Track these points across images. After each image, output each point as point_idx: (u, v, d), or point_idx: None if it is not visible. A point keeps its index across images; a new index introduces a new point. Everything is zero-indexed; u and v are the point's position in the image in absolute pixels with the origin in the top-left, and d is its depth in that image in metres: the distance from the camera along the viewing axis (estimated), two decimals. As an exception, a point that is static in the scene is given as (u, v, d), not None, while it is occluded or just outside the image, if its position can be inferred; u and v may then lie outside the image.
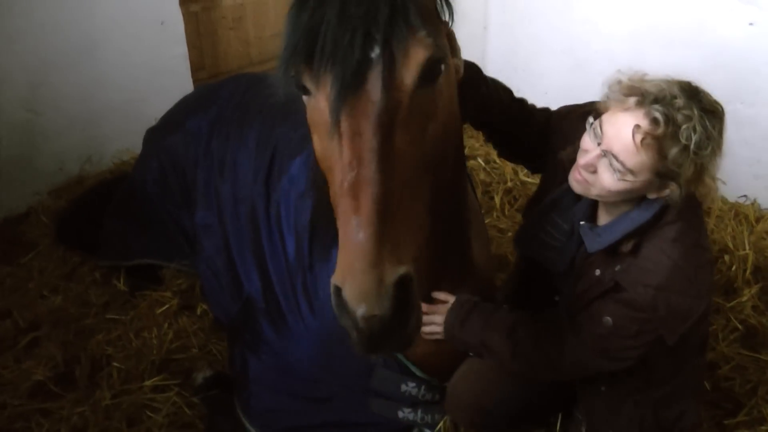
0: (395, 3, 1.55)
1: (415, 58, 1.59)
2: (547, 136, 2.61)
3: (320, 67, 1.57)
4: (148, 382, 3.05)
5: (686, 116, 1.96)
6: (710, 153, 2.00)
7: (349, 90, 1.54)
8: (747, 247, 3.76)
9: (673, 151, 1.97)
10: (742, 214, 4.19)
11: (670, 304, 2.08)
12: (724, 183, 4.28)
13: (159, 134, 3.55)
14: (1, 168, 4.17)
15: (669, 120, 1.96)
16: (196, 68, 5.17)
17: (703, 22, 4.32)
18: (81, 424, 2.88)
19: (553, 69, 5.17)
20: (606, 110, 2.14)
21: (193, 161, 3.27)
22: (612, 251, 2.23)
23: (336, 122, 1.57)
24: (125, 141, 4.62)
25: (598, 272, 2.25)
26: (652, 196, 2.12)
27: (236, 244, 2.92)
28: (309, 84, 1.65)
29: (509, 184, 4.48)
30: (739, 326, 3.33)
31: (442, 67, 1.68)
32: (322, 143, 1.69)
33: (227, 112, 3.27)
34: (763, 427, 2.87)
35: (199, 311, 3.46)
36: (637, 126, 1.99)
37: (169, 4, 4.79)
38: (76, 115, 4.48)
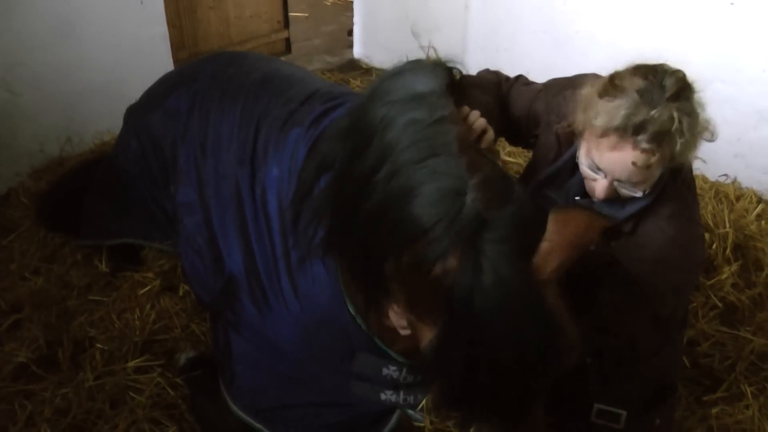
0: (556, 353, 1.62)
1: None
2: (536, 113, 2.56)
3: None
4: (131, 364, 3.04)
5: (668, 119, 1.96)
6: (700, 120, 2.05)
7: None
8: (727, 225, 3.79)
9: (677, 150, 2.00)
10: (723, 192, 4.22)
11: (665, 278, 2.11)
12: (704, 162, 4.29)
13: (138, 112, 3.50)
14: (-21, 149, 4.13)
15: (658, 139, 1.97)
16: (176, 48, 5.13)
17: (685, 1, 4.33)
18: (64, 405, 2.88)
19: (535, 48, 5.16)
20: (587, 144, 2.15)
21: (172, 140, 3.23)
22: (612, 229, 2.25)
23: None
24: (106, 121, 4.56)
25: (593, 246, 2.27)
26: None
27: (219, 221, 2.90)
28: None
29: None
30: (719, 303, 3.36)
31: None
32: None
33: (209, 88, 3.23)
34: (741, 403, 2.92)
35: (181, 292, 3.45)
36: (634, 162, 2.01)
37: (148, -17, 4.74)
38: (56, 95, 4.43)
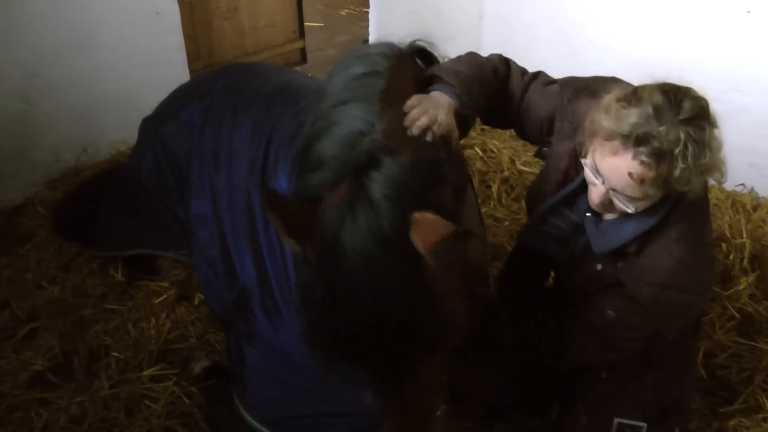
0: (424, 324, 1.61)
1: (442, 353, 1.71)
2: (552, 118, 2.47)
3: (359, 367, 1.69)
4: (146, 372, 3.06)
5: (674, 141, 1.91)
6: (709, 153, 1.96)
7: (382, 385, 1.71)
8: (744, 235, 3.76)
9: (675, 174, 1.93)
10: (739, 202, 4.20)
11: (672, 302, 2.09)
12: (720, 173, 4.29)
13: (153, 124, 3.53)
14: (-2, 158, 4.16)
15: (659, 157, 1.92)
16: (191, 58, 5.16)
17: (700, 9, 4.31)
18: (79, 413, 2.89)
19: (549, 58, 5.15)
20: (593, 149, 2.11)
21: (187, 151, 3.25)
22: (617, 249, 2.22)
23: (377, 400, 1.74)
24: (121, 132, 4.60)
25: (599, 267, 2.24)
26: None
27: (231, 233, 2.91)
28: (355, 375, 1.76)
29: (506, 173, 4.47)
30: (736, 314, 3.34)
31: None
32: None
33: (222, 100, 3.25)
34: (759, 415, 2.89)
35: (196, 301, 3.47)
36: (630, 174, 1.96)
37: (164, -5, 4.77)
38: (72, 106, 4.46)
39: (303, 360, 2.60)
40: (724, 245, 3.72)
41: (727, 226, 3.87)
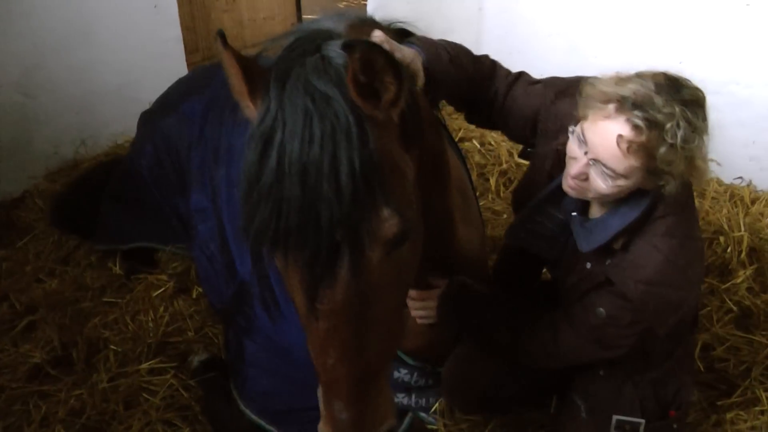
0: (356, 177, 1.46)
1: (382, 238, 1.53)
2: (536, 118, 2.50)
3: (286, 252, 1.53)
4: (144, 365, 3.06)
5: (668, 114, 1.91)
6: (698, 142, 1.96)
7: (319, 279, 1.52)
8: (742, 228, 3.76)
9: (661, 151, 1.93)
10: (738, 195, 4.20)
11: (661, 298, 2.08)
12: (719, 164, 4.29)
13: (153, 117, 3.54)
14: (-4, 151, 4.16)
15: (651, 124, 1.92)
16: (190, 51, 5.15)
17: (700, 2, 4.30)
18: (78, 406, 2.90)
19: (549, 52, 5.15)
20: (585, 115, 2.09)
21: (187, 144, 3.26)
22: (604, 246, 2.20)
23: (311, 306, 1.55)
24: (120, 124, 4.60)
25: (589, 265, 2.24)
26: (649, 188, 2.08)
27: (231, 228, 2.92)
28: (279, 264, 1.63)
29: (504, 165, 4.47)
30: (734, 308, 3.34)
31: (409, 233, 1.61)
32: (299, 311, 1.66)
33: (221, 95, 3.25)
34: (756, 408, 2.89)
35: (194, 294, 3.47)
36: (620, 135, 1.95)
37: (162, -13, 4.76)
38: (71, 98, 4.46)
39: (302, 353, 2.61)
40: (722, 238, 3.72)
41: (725, 219, 3.87)
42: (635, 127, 1.93)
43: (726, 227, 3.79)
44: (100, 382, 2.98)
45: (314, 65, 1.54)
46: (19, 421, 2.85)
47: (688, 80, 2.04)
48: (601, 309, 2.15)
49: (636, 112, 1.93)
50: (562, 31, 5.07)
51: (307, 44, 1.62)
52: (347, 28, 1.74)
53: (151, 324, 3.27)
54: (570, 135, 2.14)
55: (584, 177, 2.09)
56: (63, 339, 3.20)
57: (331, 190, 1.44)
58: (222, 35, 1.64)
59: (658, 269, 2.07)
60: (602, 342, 2.21)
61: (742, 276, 3.48)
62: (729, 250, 3.64)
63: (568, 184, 2.16)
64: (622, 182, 2.03)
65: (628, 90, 1.97)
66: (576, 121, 2.13)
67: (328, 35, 1.67)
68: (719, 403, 2.94)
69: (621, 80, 2.03)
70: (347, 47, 1.49)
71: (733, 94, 4.13)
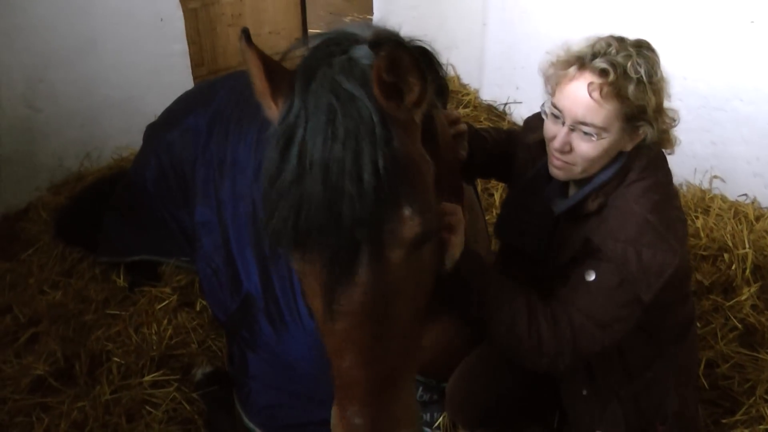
0: (379, 177, 1.45)
1: (403, 239, 1.52)
2: (516, 137, 2.70)
3: (305, 251, 1.53)
4: (147, 378, 3.06)
5: (626, 55, 2.06)
6: (661, 78, 2.11)
7: (337, 280, 1.50)
8: (747, 245, 3.75)
9: (631, 89, 2.03)
10: (742, 212, 4.18)
11: (642, 258, 2.07)
12: (723, 181, 4.29)
13: (158, 131, 3.55)
14: (1, 163, 4.16)
15: (614, 65, 2.04)
16: (195, 65, 5.17)
17: (704, 19, 4.32)
18: (81, 418, 2.90)
19: (553, 67, 5.17)
20: (551, 91, 2.21)
21: (192, 158, 3.27)
22: (581, 215, 2.24)
23: (329, 307, 1.53)
24: (124, 138, 4.62)
25: (569, 234, 2.27)
26: (629, 146, 2.17)
27: (236, 241, 2.92)
28: (297, 265, 1.61)
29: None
30: (738, 325, 3.32)
31: (430, 234, 1.61)
32: (316, 314, 1.65)
33: (227, 108, 3.27)
34: (761, 426, 2.87)
35: (198, 307, 3.47)
36: (590, 83, 2.05)
37: (168, 1, 4.79)
38: (76, 111, 4.48)
39: (306, 368, 2.61)
40: (726, 255, 3.71)
41: (729, 236, 3.86)
42: (601, 72, 2.05)
43: (730, 244, 3.78)
44: (103, 395, 2.98)
45: (341, 65, 1.56)
46: (22, 433, 2.85)
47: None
48: (590, 271, 2.14)
49: (597, 60, 2.06)
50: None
51: (335, 46, 1.64)
52: (374, 35, 1.74)
53: (154, 337, 3.27)
54: (544, 118, 2.23)
55: (568, 148, 2.15)
56: (66, 351, 3.20)
57: (353, 189, 1.44)
58: (246, 33, 1.64)
59: (636, 228, 2.09)
60: (593, 316, 2.16)
61: (747, 293, 3.47)
62: (733, 267, 3.63)
63: (554, 164, 2.22)
64: (605, 137, 2.11)
65: (582, 49, 2.14)
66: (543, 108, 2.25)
67: (355, 39, 1.68)
68: (724, 420, 2.93)
69: (572, 46, 2.19)
70: (374, 45, 1.50)
71: (736, 110, 4.14)
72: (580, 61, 2.10)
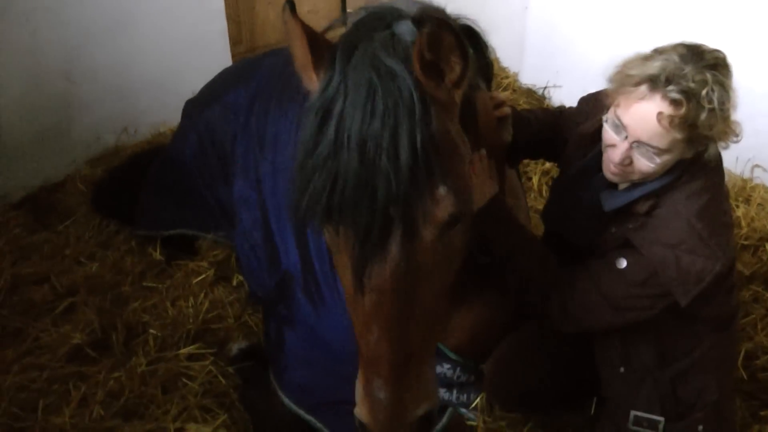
0: (416, 155, 1.46)
1: (436, 218, 1.54)
2: (567, 119, 2.67)
3: (339, 226, 1.54)
4: (183, 351, 3.08)
5: (700, 82, 1.97)
6: (732, 100, 2.04)
7: (369, 255, 1.52)
8: (789, 235, 3.70)
9: (702, 118, 1.98)
10: (787, 201, 4.13)
11: (680, 264, 2.06)
12: (765, 170, 4.22)
13: (198, 107, 3.55)
14: (40, 136, 4.19)
15: (688, 95, 1.97)
16: (233, 42, 5.15)
17: (746, 9, 4.24)
18: (117, 388, 2.92)
19: (593, 48, 5.09)
20: (617, 101, 2.14)
21: (232, 134, 3.27)
22: (629, 211, 2.23)
23: (359, 282, 1.55)
24: (161, 114, 4.62)
25: (614, 230, 2.26)
26: (689, 157, 2.13)
27: (275, 217, 2.92)
28: (329, 238, 1.63)
29: (546, 165, 4.43)
30: (778, 316, 3.28)
31: (462, 216, 1.61)
32: (346, 288, 1.67)
33: (267, 86, 3.26)
34: (799, 420, 2.84)
35: (235, 282, 3.48)
36: (660, 113, 1.99)
37: (208, -22, 4.78)
38: (114, 86, 4.49)
39: (342, 346, 2.61)
40: (767, 245, 3.66)
41: (769, 225, 3.81)
42: (673, 102, 1.98)
43: (772, 234, 3.72)
44: (139, 366, 3.00)
45: (383, 41, 1.55)
46: (59, 401, 2.88)
47: (705, 45, 2.10)
48: (622, 259, 2.14)
49: (670, 87, 1.98)
50: (608, 28, 5.00)
51: (378, 21, 1.63)
52: (418, 11, 1.73)
53: (190, 310, 3.29)
54: (604, 123, 2.18)
55: (628, 161, 2.13)
56: (103, 322, 3.22)
57: (390, 166, 1.45)
58: (292, 4, 1.64)
59: (678, 232, 2.08)
60: (614, 298, 2.16)
61: (788, 284, 3.42)
62: (775, 257, 3.58)
63: (611, 171, 2.20)
64: (666, 157, 2.08)
65: (655, 68, 2.03)
66: (606, 108, 2.19)
67: (399, 15, 1.67)
68: (762, 413, 2.89)
69: (644, 60, 2.09)
70: (417, 21, 1.49)
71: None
72: (652, 83, 2.02)
